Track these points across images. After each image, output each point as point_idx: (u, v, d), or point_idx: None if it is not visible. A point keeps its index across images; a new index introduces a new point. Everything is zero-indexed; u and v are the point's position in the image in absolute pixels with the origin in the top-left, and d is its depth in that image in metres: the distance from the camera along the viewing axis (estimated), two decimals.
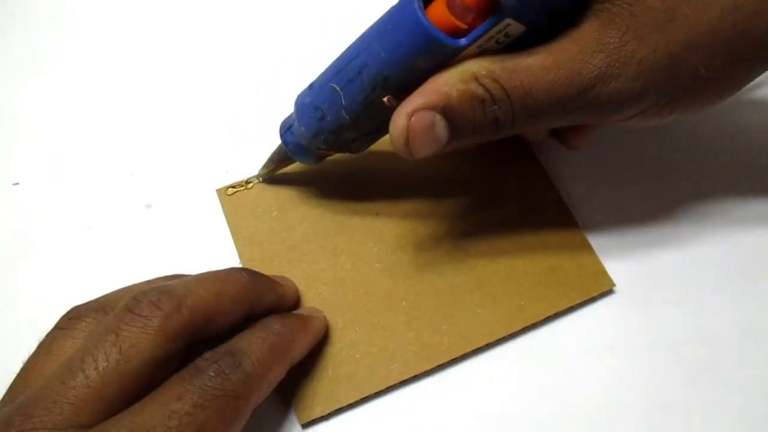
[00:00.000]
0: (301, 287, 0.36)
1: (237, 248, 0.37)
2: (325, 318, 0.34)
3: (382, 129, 0.32)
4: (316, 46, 0.44)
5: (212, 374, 0.27)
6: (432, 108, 0.28)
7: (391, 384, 0.33)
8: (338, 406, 0.33)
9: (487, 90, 0.28)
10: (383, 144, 0.38)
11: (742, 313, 0.36)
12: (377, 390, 0.33)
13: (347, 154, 0.36)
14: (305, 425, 0.33)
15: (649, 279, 0.37)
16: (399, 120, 0.29)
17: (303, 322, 0.32)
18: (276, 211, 0.38)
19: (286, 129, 0.36)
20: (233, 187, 0.38)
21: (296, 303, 0.35)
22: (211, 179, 0.39)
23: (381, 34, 0.29)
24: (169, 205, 0.39)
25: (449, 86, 0.28)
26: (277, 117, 0.41)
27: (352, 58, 0.30)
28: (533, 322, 0.35)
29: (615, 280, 0.36)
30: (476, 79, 0.28)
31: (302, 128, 0.34)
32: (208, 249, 0.37)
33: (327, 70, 0.32)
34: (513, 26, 0.27)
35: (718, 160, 0.40)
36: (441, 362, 0.34)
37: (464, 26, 0.27)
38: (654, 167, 0.40)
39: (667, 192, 0.39)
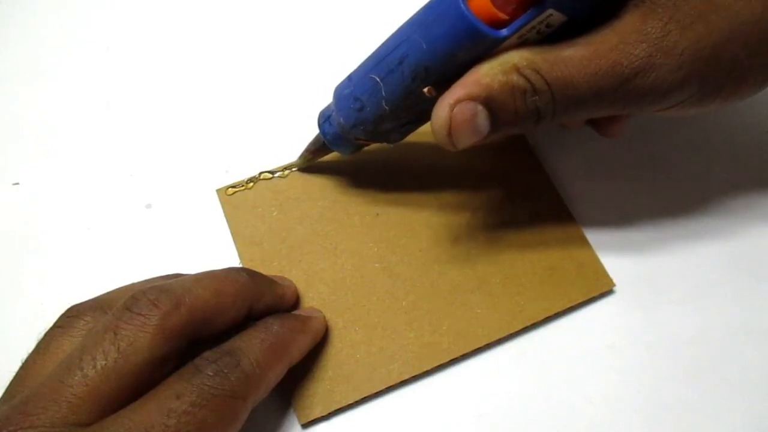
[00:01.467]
0: (301, 287, 0.36)
1: (237, 248, 0.37)
2: (324, 318, 0.34)
3: (421, 119, 0.33)
4: (315, 46, 0.44)
5: (211, 373, 0.27)
6: (474, 99, 0.28)
7: (391, 384, 0.33)
8: (338, 406, 0.33)
9: (528, 81, 0.28)
10: (386, 144, 0.39)
11: (742, 312, 0.36)
12: (377, 390, 0.33)
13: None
14: (305, 425, 0.33)
15: (649, 279, 0.37)
16: (441, 111, 0.29)
17: (302, 322, 0.32)
18: (276, 211, 0.38)
19: (324, 119, 0.36)
20: (233, 187, 0.38)
21: (296, 303, 0.35)
22: (211, 179, 0.39)
23: (422, 25, 0.29)
24: (169, 205, 0.39)
25: (491, 77, 0.28)
26: (277, 117, 0.41)
27: (393, 49, 0.30)
28: (533, 322, 0.35)
29: (615, 280, 0.36)
30: (517, 70, 0.28)
31: (341, 119, 0.34)
32: (208, 249, 0.37)
33: (366, 61, 0.33)
34: (555, 16, 0.27)
35: (719, 160, 0.40)
36: (441, 362, 0.34)
37: (505, 17, 0.27)
38: (654, 167, 0.40)
39: (668, 192, 0.39)
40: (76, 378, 0.25)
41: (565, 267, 0.36)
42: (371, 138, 0.34)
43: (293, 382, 0.33)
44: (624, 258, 0.37)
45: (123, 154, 0.41)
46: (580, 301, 0.36)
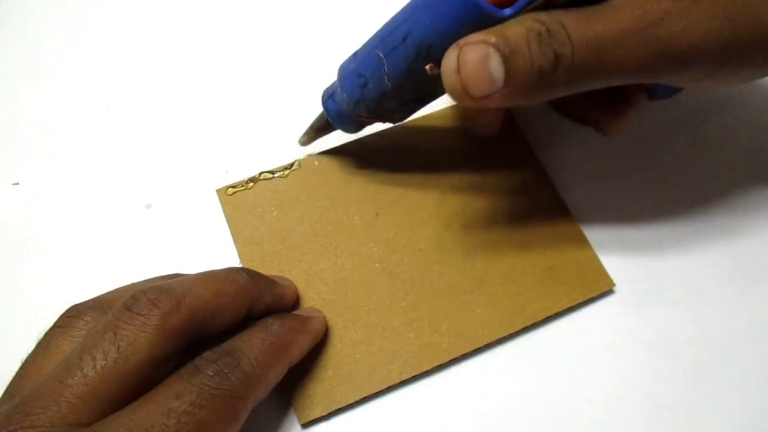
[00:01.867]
0: (301, 287, 0.36)
1: (237, 248, 0.37)
2: (324, 318, 0.34)
3: (423, 98, 0.33)
4: (315, 46, 0.44)
5: (211, 373, 0.27)
6: (485, 41, 0.27)
7: (391, 384, 0.33)
8: (338, 406, 0.33)
9: (543, 23, 0.27)
10: (386, 143, 0.39)
11: (742, 313, 0.36)
12: (377, 390, 0.33)
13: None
14: (305, 425, 0.33)
15: (649, 279, 0.37)
16: (450, 54, 0.27)
17: (302, 322, 0.32)
18: (276, 211, 0.38)
19: (328, 96, 0.36)
20: (233, 187, 0.38)
21: (296, 303, 0.35)
22: (211, 179, 0.39)
23: (427, 2, 0.29)
24: (169, 205, 0.39)
25: (504, 26, 0.27)
26: (277, 117, 0.41)
27: (398, 25, 0.30)
28: (533, 322, 0.35)
29: (615, 280, 0.36)
30: (531, 17, 0.27)
31: (344, 95, 0.34)
32: (208, 249, 0.37)
33: (372, 37, 0.33)
34: None
35: (719, 160, 0.40)
36: (441, 362, 0.34)
37: None
38: (654, 167, 0.40)
39: (668, 192, 0.39)
40: (76, 378, 0.25)
41: (565, 267, 0.36)
42: (374, 116, 0.35)
43: (293, 382, 0.33)
44: (624, 258, 0.37)
45: (123, 154, 0.41)
46: (580, 301, 0.36)
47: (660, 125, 0.41)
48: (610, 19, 0.27)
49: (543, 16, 0.27)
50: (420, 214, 0.38)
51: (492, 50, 0.26)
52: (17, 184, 0.40)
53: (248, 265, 0.36)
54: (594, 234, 0.38)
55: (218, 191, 0.38)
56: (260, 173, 0.39)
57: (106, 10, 0.46)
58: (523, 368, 0.34)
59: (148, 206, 0.39)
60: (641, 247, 0.37)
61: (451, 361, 0.34)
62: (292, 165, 0.39)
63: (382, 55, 0.31)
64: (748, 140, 0.41)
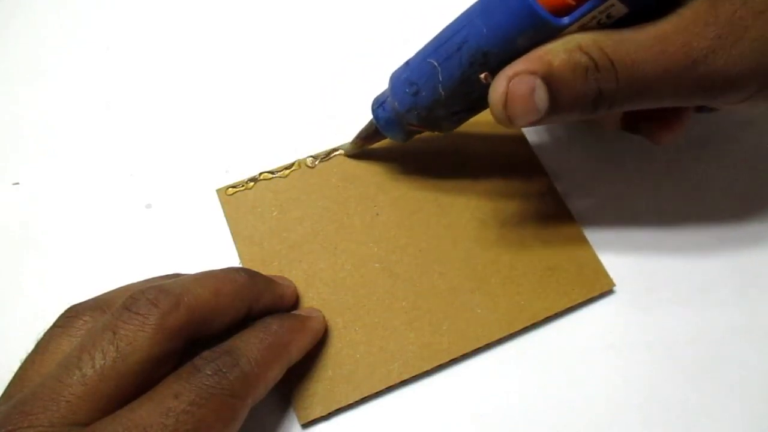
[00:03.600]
0: (301, 287, 0.36)
1: (237, 248, 0.37)
2: (323, 318, 0.34)
3: (474, 107, 0.33)
4: (315, 46, 0.44)
5: (209, 373, 0.27)
6: (533, 73, 0.27)
7: (391, 384, 0.33)
8: (338, 406, 0.33)
9: (591, 58, 0.27)
10: (385, 143, 0.39)
11: (742, 313, 0.36)
12: (377, 390, 0.33)
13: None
14: (305, 425, 0.33)
15: (649, 279, 0.37)
16: (499, 84, 0.28)
17: (301, 322, 0.32)
18: (276, 211, 0.38)
19: (378, 105, 0.36)
20: (233, 187, 0.38)
21: (295, 303, 0.35)
22: (211, 179, 0.39)
23: (484, 10, 0.29)
24: (169, 205, 0.39)
25: (552, 54, 0.27)
26: (276, 117, 0.41)
27: (453, 34, 0.30)
28: (533, 322, 0.35)
29: (615, 280, 0.36)
30: (581, 48, 0.27)
31: (396, 103, 0.34)
32: (208, 249, 0.37)
33: (425, 46, 0.33)
34: (617, 7, 0.27)
35: (719, 160, 0.40)
36: (441, 362, 0.34)
37: (572, 2, 0.27)
38: (654, 167, 0.40)
39: (668, 192, 0.39)
40: (75, 377, 0.25)
41: (565, 267, 0.36)
42: (424, 124, 0.35)
43: (293, 382, 0.33)
44: (624, 258, 0.37)
45: (123, 154, 0.41)
46: (580, 301, 0.36)
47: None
48: (658, 53, 0.27)
49: (593, 47, 0.27)
50: (420, 214, 0.38)
51: (539, 82, 0.27)
52: (17, 184, 0.40)
53: (248, 265, 0.36)
54: (594, 234, 0.38)
55: (218, 191, 0.38)
56: (260, 173, 0.39)
57: (106, 10, 0.46)
58: (523, 368, 0.34)
59: (148, 206, 0.39)
60: (641, 247, 0.37)
61: (451, 361, 0.34)
62: (292, 165, 0.39)
63: (436, 64, 0.31)
64: (748, 140, 0.41)
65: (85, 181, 0.40)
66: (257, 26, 0.45)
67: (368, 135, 0.38)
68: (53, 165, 0.40)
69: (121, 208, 0.39)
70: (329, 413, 0.33)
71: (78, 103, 0.42)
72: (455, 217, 0.38)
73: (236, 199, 0.38)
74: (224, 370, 0.27)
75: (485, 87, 0.30)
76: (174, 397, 0.25)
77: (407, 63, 0.34)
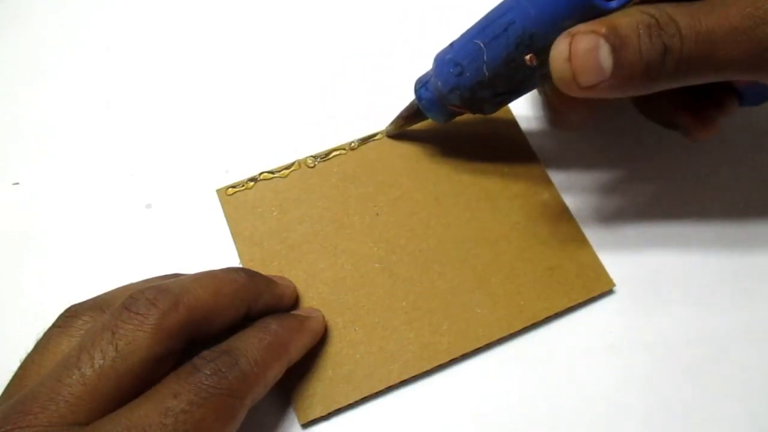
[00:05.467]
0: (301, 287, 0.36)
1: (237, 248, 0.37)
2: (323, 318, 0.34)
3: (517, 90, 0.34)
4: (314, 46, 0.44)
5: (209, 373, 0.26)
6: (595, 32, 0.27)
7: (391, 384, 0.33)
8: (338, 406, 0.33)
9: (653, 16, 0.27)
10: (386, 144, 0.39)
11: (742, 313, 0.36)
12: (377, 390, 0.33)
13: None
14: (305, 425, 0.33)
15: (649, 279, 0.37)
16: (561, 42, 0.28)
17: (301, 322, 0.32)
18: (276, 211, 0.38)
19: (421, 85, 0.36)
20: (233, 187, 0.38)
21: (295, 303, 0.35)
22: (211, 179, 0.39)
23: None
24: (169, 205, 0.39)
25: (613, 17, 0.27)
26: (276, 117, 0.41)
27: (500, 15, 0.31)
28: (533, 322, 0.35)
29: (615, 280, 0.36)
30: (640, 10, 0.27)
31: (439, 83, 0.35)
32: (208, 249, 0.37)
33: (471, 28, 0.33)
34: None
35: (720, 160, 0.40)
36: (441, 362, 0.34)
37: None
38: (654, 167, 0.40)
39: (668, 192, 0.39)
40: (74, 377, 0.25)
41: (565, 267, 0.36)
42: (466, 105, 0.35)
43: (293, 382, 0.33)
44: (624, 258, 0.37)
45: (123, 154, 0.41)
46: (580, 301, 0.36)
47: (660, 126, 0.41)
48: (720, 14, 0.27)
49: (651, 8, 0.27)
50: (420, 214, 0.38)
51: (602, 41, 0.27)
52: (17, 184, 0.40)
53: (248, 265, 0.36)
54: (594, 234, 0.37)
55: (218, 191, 0.38)
56: (260, 173, 0.39)
57: (106, 10, 0.46)
58: (523, 368, 0.34)
59: (148, 206, 0.39)
60: (641, 247, 0.37)
61: (451, 361, 0.34)
62: (292, 165, 0.39)
63: (482, 45, 0.32)
64: (748, 140, 0.41)
65: (85, 181, 0.40)
66: (257, 26, 0.45)
67: (409, 115, 0.38)
68: (53, 165, 0.40)
69: (121, 208, 0.39)
70: (329, 413, 0.33)
71: (78, 103, 0.42)
72: (455, 217, 0.38)
73: (236, 199, 0.38)
74: (223, 370, 0.27)
75: (529, 69, 0.30)
76: (173, 397, 0.25)
77: (451, 44, 0.34)
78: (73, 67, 0.44)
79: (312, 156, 0.39)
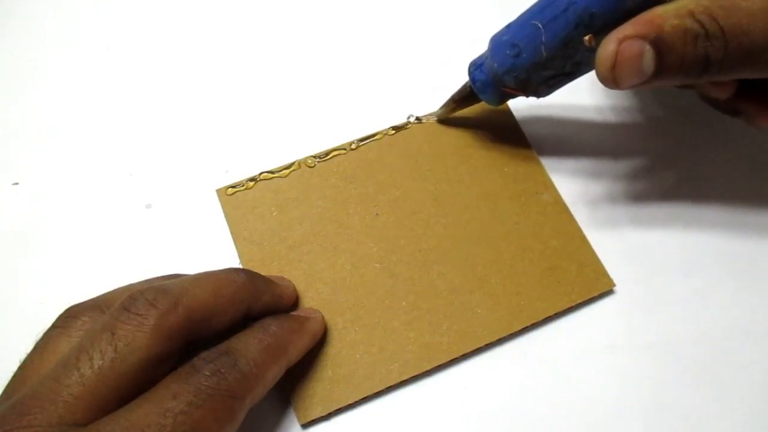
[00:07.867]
0: (301, 287, 0.35)
1: (237, 248, 0.37)
2: (323, 319, 0.34)
3: (573, 72, 0.34)
4: (314, 46, 0.44)
5: (208, 373, 0.26)
6: (643, 37, 0.28)
7: (391, 384, 0.33)
8: (338, 406, 0.33)
9: (702, 25, 0.28)
10: (386, 144, 0.39)
11: (742, 313, 0.36)
12: (377, 390, 0.33)
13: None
14: (305, 425, 0.33)
15: (649, 279, 0.36)
16: (608, 45, 0.29)
17: (300, 323, 0.32)
18: (276, 211, 0.38)
19: (476, 67, 0.37)
20: (233, 187, 0.38)
21: (294, 303, 0.35)
22: (211, 179, 0.39)
23: None
24: (169, 205, 0.39)
25: (663, 19, 0.28)
26: (276, 117, 0.41)
27: None
28: (533, 322, 0.35)
29: (615, 280, 0.36)
30: (692, 14, 0.28)
31: (495, 64, 0.35)
32: (208, 249, 0.37)
33: (529, 9, 0.34)
34: None
35: (719, 160, 0.40)
36: (441, 362, 0.34)
37: None
38: (654, 167, 0.40)
39: (668, 192, 0.39)
40: (73, 378, 0.25)
41: (565, 267, 0.36)
42: (521, 87, 0.35)
43: (293, 382, 0.33)
44: (624, 258, 0.37)
45: (123, 154, 0.41)
46: (580, 301, 0.36)
47: (661, 126, 0.41)
48: (766, 19, 0.27)
49: (704, 15, 0.28)
50: (420, 214, 0.38)
51: (648, 47, 0.28)
52: (17, 184, 0.40)
53: (248, 265, 0.36)
54: (594, 234, 0.37)
55: (218, 191, 0.38)
56: (260, 173, 0.39)
57: (106, 10, 0.46)
58: (523, 368, 0.34)
59: (148, 206, 0.39)
60: (641, 247, 0.37)
61: (451, 361, 0.34)
62: (292, 165, 0.39)
63: (540, 25, 0.32)
64: (748, 140, 0.41)
65: (85, 181, 0.40)
66: (257, 26, 0.45)
67: (462, 98, 0.38)
68: (53, 165, 0.40)
69: (121, 208, 0.39)
70: (329, 413, 0.33)
71: (78, 103, 0.42)
72: (455, 217, 0.38)
73: (236, 199, 0.38)
74: (223, 371, 0.27)
75: (587, 51, 0.31)
76: (172, 398, 0.25)
77: (508, 26, 0.35)
78: (73, 67, 0.44)
79: (312, 156, 0.39)
